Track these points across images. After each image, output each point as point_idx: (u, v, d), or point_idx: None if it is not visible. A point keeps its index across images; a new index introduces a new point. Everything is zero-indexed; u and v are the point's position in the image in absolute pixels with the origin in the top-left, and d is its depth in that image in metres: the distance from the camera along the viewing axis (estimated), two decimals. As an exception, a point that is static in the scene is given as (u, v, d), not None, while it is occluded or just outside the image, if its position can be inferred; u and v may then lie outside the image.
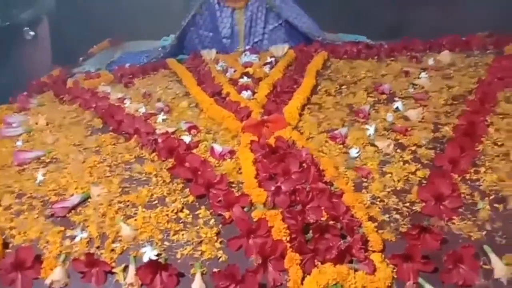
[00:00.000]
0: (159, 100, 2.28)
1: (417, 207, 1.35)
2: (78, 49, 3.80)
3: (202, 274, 1.16)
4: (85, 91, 2.41)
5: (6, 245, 1.29)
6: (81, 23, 4.24)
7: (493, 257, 1.16)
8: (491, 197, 1.37)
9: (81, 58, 3.58)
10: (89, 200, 1.46)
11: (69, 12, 4.37)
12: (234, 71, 2.58)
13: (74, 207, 1.42)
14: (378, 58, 2.72)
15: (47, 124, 2.08)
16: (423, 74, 2.29)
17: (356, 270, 1.12)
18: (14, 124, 2.09)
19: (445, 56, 2.54)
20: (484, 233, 1.24)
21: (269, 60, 2.71)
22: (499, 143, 1.65)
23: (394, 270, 1.14)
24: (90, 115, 2.14)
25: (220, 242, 1.26)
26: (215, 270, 1.15)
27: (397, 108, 1.96)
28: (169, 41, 3.42)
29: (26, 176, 1.62)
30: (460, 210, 1.33)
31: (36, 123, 2.08)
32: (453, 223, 1.28)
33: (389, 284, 1.10)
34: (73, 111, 2.22)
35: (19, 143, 1.89)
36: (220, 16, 3.10)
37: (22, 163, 1.71)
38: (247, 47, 3.07)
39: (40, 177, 1.57)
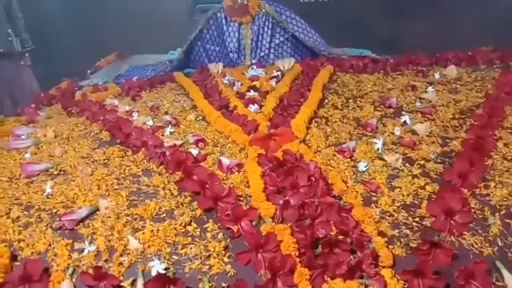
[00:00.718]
0: (166, 113, 2.29)
1: (427, 222, 1.34)
2: (85, 62, 3.85)
3: (210, 288, 1.15)
4: (93, 104, 2.42)
5: (14, 257, 1.28)
6: (88, 37, 4.32)
7: (505, 273, 1.15)
8: (501, 212, 1.36)
9: (88, 71, 3.61)
10: (97, 212, 1.45)
11: (75, 26, 4.45)
12: (241, 85, 2.60)
13: (82, 220, 1.41)
14: (384, 72, 2.73)
15: (55, 137, 2.08)
16: (429, 88, 2.29)
17: (366, 286, 1.11)
18: (23, 136, 2.09)
19: (452, 70, 2.55)
20: (495, 248, 1.23)
21: (275, 74, 2.73)
22: (509, 158, 1.65)
23: (405, 286, 1.12)
24: (98, 127, 2.14)
25: (229, 257, 1.25)
26: (223, 285, 1.14)
27: (404, 122, 1.96)
28: (176, 55, 3.45)
29: (34, 189, 1.62)
30: (471, 225, 1.31)
31: (45, 136, 2.08)
32: (464, 239, 1.27)
33: (400, 300, 1.09)
34: (81, 124, 2.23)
35: (27, 155, 1.89)
36: (227, 31, 3.13)
37: (30, 175, 1.71)
38: (253, 61, 3.10)
39: (48, 189, 1.57)
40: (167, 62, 3.36)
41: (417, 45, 3.13)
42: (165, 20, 4.34)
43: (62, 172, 1.74)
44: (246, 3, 3.06)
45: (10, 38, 3.23)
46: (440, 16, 3.79)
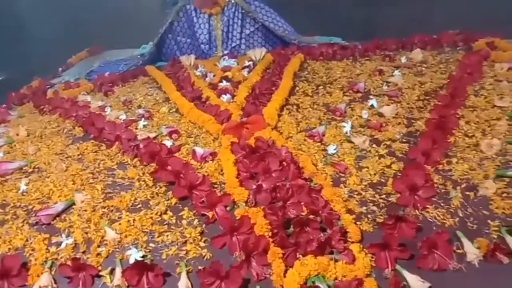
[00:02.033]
0: (139, 106, 2.31)
1: (392, 198, 1.41)
2: (56, 60, 3.80)
3: (187, 272, 1.19)
4: (65, 101, 2.42)
5: (-9, 254, 1.30)
6: (58, 33, 4.25)
7: (465, 241, 1.22)
8: (462, 186, 1.43)
9: (60, 69, 3.57)
10: (73, 207, 1.47)
11: (44, 23, 4.38)
12: (214, 76, 2.62)
13: (58, 214, 1.43)
14: (353, 58, 2.80)
15: (28, 135, 2.08)
16: (396, 72, 2.37)
17: (336, 261, 1.16)
18: (-5, 136, 2.08)
19: (417, 54, 2.63)
20: (456, 219, 1.30)
21: (247, 64, 2.76)
22: (470, 135, 1.73)
23: (373, 259, 1.18)
24: (71, 124, 2.15)
25: (204, 241, 1.29)
26: (200, 268, 1.18)
27: (372, 105, 2.02)
28: (147, 48, 3.44)
29: (9, 187, 1.63)
30: (434, 199, 1.39)
31: (17, 135, 2.08)
32: (427, 212, 1.34)
33: (368, 273, 1.14)
34: (54, 121, 2.23)
35: (0, 154, 1.89)
36: (197, 23, 3.13)
37: (4, 174, 1.71)
38: (225, 52, 3.12)
39: (23, 186, 1.58)
40: (139, 56, 3.34)
41: (389, 30, 3.20)
42: (137, 14, 4.31)
43: (36, 170, 1.75)
44: (215, -6, 3.07)
45: None
46: (412, 1, 3.86)
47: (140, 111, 2.20)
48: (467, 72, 2.24)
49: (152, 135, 1.89)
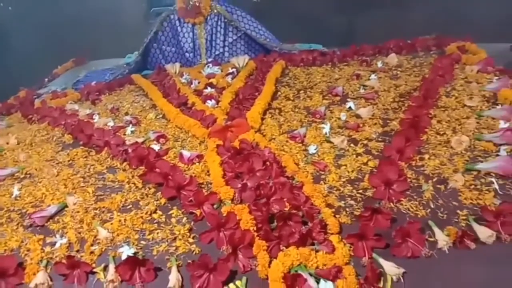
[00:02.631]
0: (126, 113, 2.37)
1: (369, 193, 1.50)
2: (41, 71, 3.83)
3: (178, 266, 1.26)
4: (53, 110, 2.47)
5: (-13, 256, 1.35)
6: (43, 45, 4.28)
7: (436, 230, 1.31)
8: (434, 180, 1.53)
9: (46, 79, 3.61)
10: (66, 209, 1.53)
11: (29, 35, 4.40)
12: (198, 83, 2.70)
13: (52, 216, 1.49)
14: (332, 64, 2.91)
15: (18, 143, 2.13)
16: (372, 76, 2.48)
17: (317, 251, 1.24)
18: (-16, 145, 2.12)
19: (392, 58, 2.75)
20: (428, 210, 1.40)
21: (231, 70, 2.85)
22: (441, 133, 1.83)
23: (351, 249, 1.26)
24: (60, 132, 2.20)
25: (193, 237, 1.36)
26: (189, 261, 1.25)
27: (349, 107, 2.12)
28: (132, 58, 3.51)
29: (2, 192, 1.68)
30: (407, 192, 1.48)
31: (7, 143, 2.12)
32: (401, 204, 1.43)
33: (347, 261, 1.22)
34: (43, 129, 2.28)
35: (-9, 162, 1.94)
36: (181, 32, 3.22)
37: (-3, 181, 1.77)
38: (209, 60, 3.20)
39: (16, 191, 1.63)
40: (125, 65, 3.41)
41: (368, 37, 3.31)
42: (121, 25, 4.36)
43: (28, 176, 1.80)
44: (198, 4, 3.15)
45: None
46: (390, 8, 3.99)
47: (128, 117, 2.26)
48: (439, 75, 2.36)
49: (140, 140, 1.96)
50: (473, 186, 1.48)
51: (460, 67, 2.54)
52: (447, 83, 2.30)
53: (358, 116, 2.05)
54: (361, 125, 1.95)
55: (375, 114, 2.05)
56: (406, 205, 1.43)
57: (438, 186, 1.50)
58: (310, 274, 1.18)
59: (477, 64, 2.47)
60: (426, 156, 1.67)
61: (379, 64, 2.70)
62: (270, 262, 1.22)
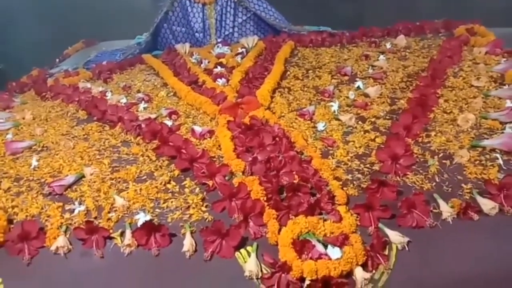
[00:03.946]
0: (138, 91, 2.42)
1: (376, 167, 1.54)
2: (52, 52, 3.88)
3: (191, 233, 1.31)
4: (66, 87, 2.52)
5: (10, 221, 1.41)
6: (54, 26, 4.33)
7: (441, 202, 1.35)
8: (440, 155, 1.57)
9: (57, 60, 3.65)
10: (83, 179, 1.59)
11: (40, 15, 4.44)
12: (208, 62, 2.73)
13: (70, 186, 1.55)
14: (340, 45, 2.92)
15: (34, 119, 2.18)
16: (381, 57, 2.50)
17: (325, 220, 1.29)
18: (1, 120, 2.18)
19: (401, 40, 2.77)
20: (433, 184, 1.44)
21: (240, 50, 2.87)
22: (448, 111, 1.87)
23: (358, 219, 1.31)
24: (74, 108, 2.25)
25: (206, 206, 1.42)
26: (202, 227, 1.31)
27: (358, 87, 2.15)
28: (143, 38, 3.54)
29: (21, 163, 1.74)
30: (413, 167, 1.52)
31: (23, 118, 2.18)
32: (407, 178, 1.48)
33: (354, 230, 1.26)
34: (57, 106, 2.33)
35: (9, 136, 1.99)
36: (191, 12, 3.24)
37: (15, 152, 1.82)
38: (218, 40, 3.23)
39: (34, 162, 1.69)
40: (136, 45, 3.45)
41: (376, 21, 3.32)
42: (131, 6, 4.39)
43: (45, 148, 1.86)
44: (208, -16, 3.18)
45: None
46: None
47: (140, 95, 2.31)
48: (447, 56, 2.38)
49: (152, 116, 2.01)
50: (478, 162, 1.51)
51: (469, 49, 2.56)
52: (455, 64, 2.32)
53: (366, 95, 2.08)
54: (369, 103, 1.98)
55: (383, 93, 2.08)
56: (412, 178, 1.47)
57: (444, 161, 1.54)
58: (318, 241, 1.24)
59: (485, 46, 2.48)
60: (433, 133, 1.70)
61: (388, 45, 2.72)
62: (279, 230, 1.27)
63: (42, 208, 1.46)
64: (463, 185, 1.42)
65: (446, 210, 1.33)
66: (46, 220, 1.41)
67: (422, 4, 3.94)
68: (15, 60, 3.88)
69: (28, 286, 1.27)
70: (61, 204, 1.46)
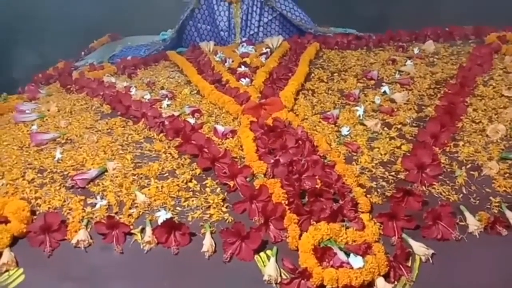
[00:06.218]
0: (162, 88, 2.42)
1: (401, 175, 1.51)
2: (78, 45, 3.92)
3: (211, 233, 1.30)
4: (91, 81, 2.54)
5: (33, 213, 1.42)
6: (80, 19, 4.37)
7: (468, 215, 1.31)
8: (467, 166, 1.53)
9: (82, 53, 3.70)
10: (105, 173, 1.60)
11: (67, 9, 4.49)
12: (232, 61, 2.73)
13: (92, 180, 1.56)
14: (367, 48, 2.89)
15: (59, 111, 2.21)
16: (408, 62, 2.46)
17: (347, 228, 1.26)
18: (27, 111, 2.21)
19: (430, 45, 2.72)
20: (460, 195, 1.41)
21: (264, 50, 2.86)
22: (477, 121, 1.82)
23: (381, 228, 1.28)
24: (99, 102, 2.27)
25: (226, 207, 1.41)
26: (222, 228, 1.30)
27: (384, 92, 2.12)
28: (167, 35, 3.55)
29: (45, 155, 1.76)
30: (440, 177, 1.48)
31: (48, 110, 2.21)
32: (434, 188, 1.44)
33: (377, 239, 1.24)
34: (82, 99, 2.35)
35: (34, 127, 2.02)
36: (217, 10, 3.24)
37: (40, 144, 1.84)
38: (243, 39, 3.22)
39: (58, 155, 1.71)
40: (161, 42, 3.47)
41: (401, 24, 3.26)
42: (156, 2, 4.41)
43: (69, 141, 1.88)
44: (235, -17, 3.18)
45: None
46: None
47: (163, 92, 2.31)
48: (477, 64, 2.32)
49: (176, 113, 2.01)
50: (507, 174, 1.47)
51: (500, 57, 2.50)
52: (485, 72, 2.27)
53: (392, 101, 2.04)
54: (395, 109, 1.95)
55: (410, 99, 2.04)
56: (438, 189, 1.44)
57: (472, 172, 1.50)
58: (340, 248, 1.21)
59: (517, 55, 2.42)
60: (461, 143, 1.67)
61: (416, 51, 2.67)
62: (300, 235, 1.25)
63: (64, 201, 1.47)
64: (491, 198, 1.38)
65: (473, 223, 1.29)
66: (68, 213, 1.42)
67: (448, 6, 3.84)
68: (43, 51, 3.93)
69: (48, 278, 1.28)
70: (83, 197, 1.47)
